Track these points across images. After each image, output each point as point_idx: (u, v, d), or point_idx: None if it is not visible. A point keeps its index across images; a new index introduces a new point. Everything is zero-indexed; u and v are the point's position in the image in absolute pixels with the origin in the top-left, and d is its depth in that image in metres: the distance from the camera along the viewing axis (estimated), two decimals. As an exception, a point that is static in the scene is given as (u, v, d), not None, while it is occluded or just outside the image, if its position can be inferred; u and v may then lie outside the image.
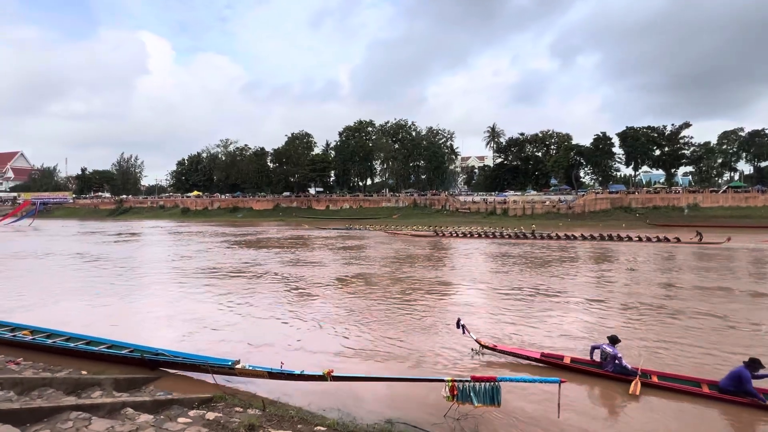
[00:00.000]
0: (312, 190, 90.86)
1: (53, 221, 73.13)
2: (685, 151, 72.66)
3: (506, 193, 75.05)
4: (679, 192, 64.69)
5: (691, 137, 72.60)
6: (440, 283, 17.20)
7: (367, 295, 14.75)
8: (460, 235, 40.92)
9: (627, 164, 75.61)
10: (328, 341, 9.96)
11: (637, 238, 34.61)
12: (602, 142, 73.00)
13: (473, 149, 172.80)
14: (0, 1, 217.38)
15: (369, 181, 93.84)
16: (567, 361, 8.34)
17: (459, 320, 8.65)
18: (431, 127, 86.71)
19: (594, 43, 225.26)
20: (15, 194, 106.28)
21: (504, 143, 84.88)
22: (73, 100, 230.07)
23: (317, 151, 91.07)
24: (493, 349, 8.84)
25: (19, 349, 8.70)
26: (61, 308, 13.05)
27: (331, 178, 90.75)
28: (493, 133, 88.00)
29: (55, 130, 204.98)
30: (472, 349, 9.16)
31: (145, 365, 7.85)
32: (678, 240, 33.09)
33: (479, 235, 40.46)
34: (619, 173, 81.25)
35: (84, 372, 7.29)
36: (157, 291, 15.82)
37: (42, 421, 4.71)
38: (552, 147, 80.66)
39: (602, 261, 23.82)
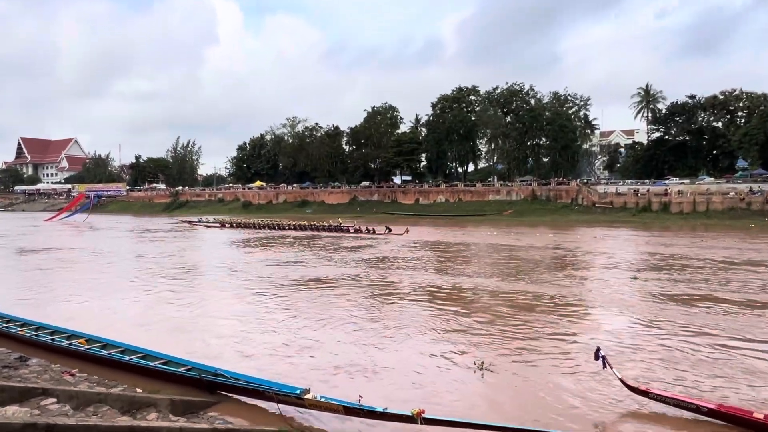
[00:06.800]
0: (397, 179, 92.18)
1: (107, 216, 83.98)
2: None
3: (667, 181, 69.65)
4: None
5: None
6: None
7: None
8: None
9: None
10: (401, 366, 10.10)
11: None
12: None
13: (618, 121, 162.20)
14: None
15: (471, 167, 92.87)
16: (759, 417, 7.47)
17: (598, 350, 8.32)
18: (557, 93, 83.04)
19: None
20: (69, 186, 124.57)
21: (664, 111, 78.79)
22: (137, 77, 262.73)
23: (404, 128, 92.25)
24: (646, 393, 8.28)
25: (73, 359, 10.20)
26: (122, 310, 15.03)
27: (422, 164, 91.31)
28: (648, 97, 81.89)
29: (116, 113, 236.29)
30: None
31: (203, 386, 8.66)
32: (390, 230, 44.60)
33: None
34: None
35: (139, 390, 8.30)
36: (225, 300, 17.49)
37: (97, 441, 5.45)
38: (740, 114, 72.90)
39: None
